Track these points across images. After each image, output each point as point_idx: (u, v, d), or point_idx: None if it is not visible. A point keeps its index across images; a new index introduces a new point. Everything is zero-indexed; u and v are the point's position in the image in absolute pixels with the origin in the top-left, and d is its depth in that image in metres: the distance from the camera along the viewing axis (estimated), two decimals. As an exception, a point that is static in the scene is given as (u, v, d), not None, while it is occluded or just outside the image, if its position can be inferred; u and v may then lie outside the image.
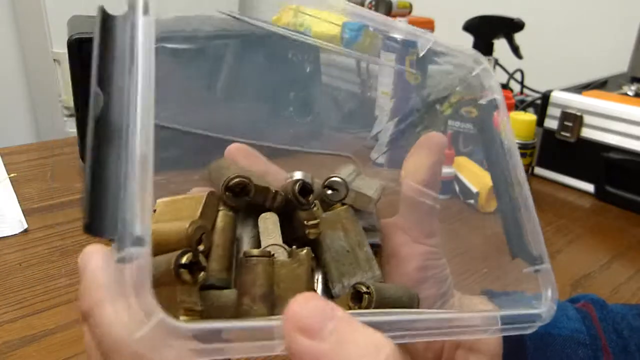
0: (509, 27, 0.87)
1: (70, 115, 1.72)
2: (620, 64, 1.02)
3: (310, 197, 0.28)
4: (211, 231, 0.25)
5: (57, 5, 1.64)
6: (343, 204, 0.30)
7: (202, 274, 0.22)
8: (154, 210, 0.27)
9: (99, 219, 0.15)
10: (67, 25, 0.84)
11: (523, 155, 0.72)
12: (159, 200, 0.27)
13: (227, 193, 0.26)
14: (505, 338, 0.33)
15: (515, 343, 0.33)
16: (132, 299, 0.15)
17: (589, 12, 1.22)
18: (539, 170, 0.87)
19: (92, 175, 0.15)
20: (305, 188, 0.28)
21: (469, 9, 0.96)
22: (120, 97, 0.16)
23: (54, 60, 1.70)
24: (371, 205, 0.31)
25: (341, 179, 0.30)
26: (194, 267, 0.22)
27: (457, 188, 0.76)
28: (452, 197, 0.77)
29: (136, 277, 0.15)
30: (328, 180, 0.30)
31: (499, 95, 0.28)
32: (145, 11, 0.17)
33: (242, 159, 0.32)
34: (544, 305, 0.25)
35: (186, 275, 0.21)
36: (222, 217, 0.26)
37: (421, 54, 0.29)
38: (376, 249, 0.31)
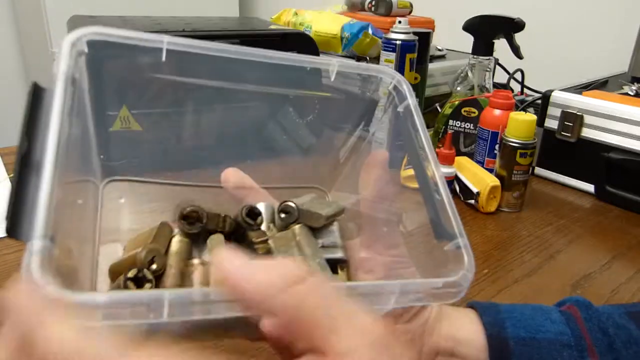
0: (509, 27, 0.87)
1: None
2: (621, 64, 1.02)
3: (258, 219, 0.32)
4: (165, 254, 0.29)
5: (57, 5, 1.64)
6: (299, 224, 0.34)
7: (147, 285, 0.26)
8: (124, 248, 0.31)
9: (18, 226, 0.20)
10: (67, 25, 0.84)
11: (523, 155, 0.72)
12: (128, 241, 0.31)
13: (182, 221, 0.30)
14: (489, 344, 0.33)
15: (500, 348, 0.34)
16: (35, 279, 0.18)
17: (589, 12, 1.22)
18: (539, 170, 0.87)
19: (14, 195, 0.21)
20: (252, 212, 0.31)
21: (469, 9, 0.96)
22: (40, 144, 0.22)
23: (54, 60, 1.70)
24: (321, 220, 0.34)
25: (293, 203, 0.34)
26: (141, 281, 0.26)
27: (457, 188, 0.76)
28: (452, 197, 0.77)
29: (38, 261, 0.18)
30: (281, 206, 0.34)
31: (411, 100, 0.33)
32: (73, 82, 0.24)
33: (236, 181, 0.36)
34: (459, 273, 0.27)
35: (132, 287, 0.25)
36: (176, 242, 0.29)
37: (332, 79, 0.33)
38: (343, 264, 0.34)
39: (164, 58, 0.27)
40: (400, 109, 0.33)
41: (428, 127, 1.06)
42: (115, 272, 0.28)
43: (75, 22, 0.85)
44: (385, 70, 0.34)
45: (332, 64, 0.33)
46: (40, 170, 0.21)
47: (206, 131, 0.39)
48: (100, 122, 0.34)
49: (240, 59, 0.30)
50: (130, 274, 0.25)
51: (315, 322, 0.20)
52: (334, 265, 0.33)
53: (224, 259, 0.21)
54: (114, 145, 0.37)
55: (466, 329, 0.35)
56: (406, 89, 0.33)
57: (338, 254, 0.34)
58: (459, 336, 0.34)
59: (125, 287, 0.25)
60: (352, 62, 0.34)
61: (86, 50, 0.26)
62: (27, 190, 0.21)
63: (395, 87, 0.34)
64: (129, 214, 0.36)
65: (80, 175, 0.30)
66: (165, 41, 0.28)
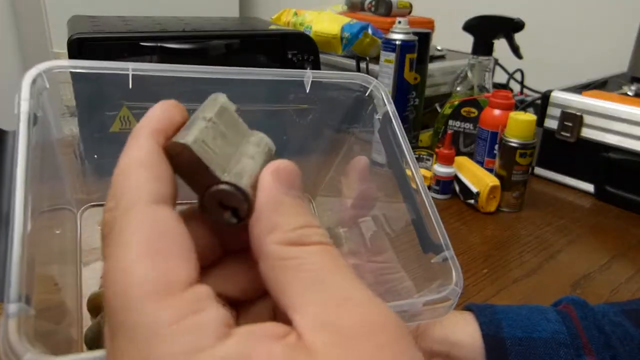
0: (509, 27, 0.87)
1: (71, 115, 1.72)
2: (620, 64, 1.02)
3: None
4: None
5: (57, 5, 1.64)
6: None
7: None
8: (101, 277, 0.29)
9: None
10: (67, 25, 0.84)
11: (523, 155, 0.72)
12: None
13: None
14: (485, 345, 0.33)
15: (496, 349, 0.34)
16: (13, 347, 0.17)
17: (589, 12, 1.22)
18: (539, 170, 0.87)
19: None
20: None
21: (469, 9, 0.96)
22: (7, 193, 0.21)
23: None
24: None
25: None
26: None
27: (457, 188, 0.76)
28: (452, 197, 0.77)
29: (15, 327, 0.18)
30: None
31: (390, 107, 0.32)
32: (35, 122, 0.23)
33: None
34: (448, 289, 0.27)
35: None
36: None
37: (307, 90, 0.32)
38: None
39: (130, 85, 0.27)
40: (378, 116, 0.32)
41: (427, 127, 1.06)
42: (94, 305, 0.27)
43: (75, 22, 0.85)
44: (362, 77, 0.33)
45: (307, 75, 0.32)
46: (9, 223, 0.20)
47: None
48: (98, 124, 0.33)
49: (214, 79, 0.29)
50: None
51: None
52: None
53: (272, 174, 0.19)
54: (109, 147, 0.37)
55: (461, 331, 0.35)
56: (384, 95, 0.32)
57: None
58: (453, 338, 0.34)
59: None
60: (327, 71, 0.34)
61: (47, 85, 0.26)
62: None
63: (372, 93, 0.33)
64: None
65: (55, 204, 0.30)
66: (131, 68, 0.27)
